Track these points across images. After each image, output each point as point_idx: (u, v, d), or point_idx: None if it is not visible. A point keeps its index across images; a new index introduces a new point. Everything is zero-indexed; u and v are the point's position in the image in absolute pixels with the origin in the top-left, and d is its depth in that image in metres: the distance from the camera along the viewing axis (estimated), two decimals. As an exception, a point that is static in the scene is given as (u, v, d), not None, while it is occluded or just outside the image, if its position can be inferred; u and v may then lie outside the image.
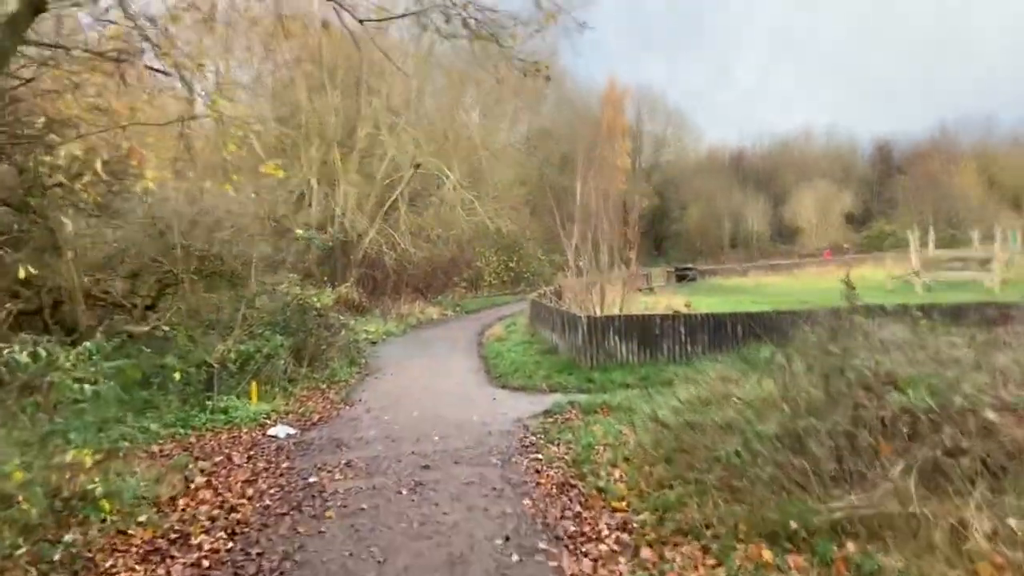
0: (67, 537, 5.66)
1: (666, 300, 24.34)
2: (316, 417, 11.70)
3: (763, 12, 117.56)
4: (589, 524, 6.30)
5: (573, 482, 7.54)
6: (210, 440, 10.01)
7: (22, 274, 6.61)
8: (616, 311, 18.30)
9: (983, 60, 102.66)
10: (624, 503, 6.63)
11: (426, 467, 8.39)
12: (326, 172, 32.17)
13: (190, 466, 8.37)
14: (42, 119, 9.31)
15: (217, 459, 8.90)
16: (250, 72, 32.11)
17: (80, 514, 5.97)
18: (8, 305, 11.82)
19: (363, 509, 6.87)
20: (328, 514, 6.76)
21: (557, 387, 14.17)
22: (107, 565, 5.58)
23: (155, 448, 9.42)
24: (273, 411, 11.82)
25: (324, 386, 14.43)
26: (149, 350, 11.77)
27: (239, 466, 8.65)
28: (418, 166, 32.42)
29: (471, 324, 28.13)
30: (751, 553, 5.16)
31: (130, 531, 6.16)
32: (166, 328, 12.33)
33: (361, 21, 6.04)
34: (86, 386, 6.64)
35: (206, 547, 5.97)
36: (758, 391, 7.35)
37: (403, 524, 6.43)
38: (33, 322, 12.05)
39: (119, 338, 9.96)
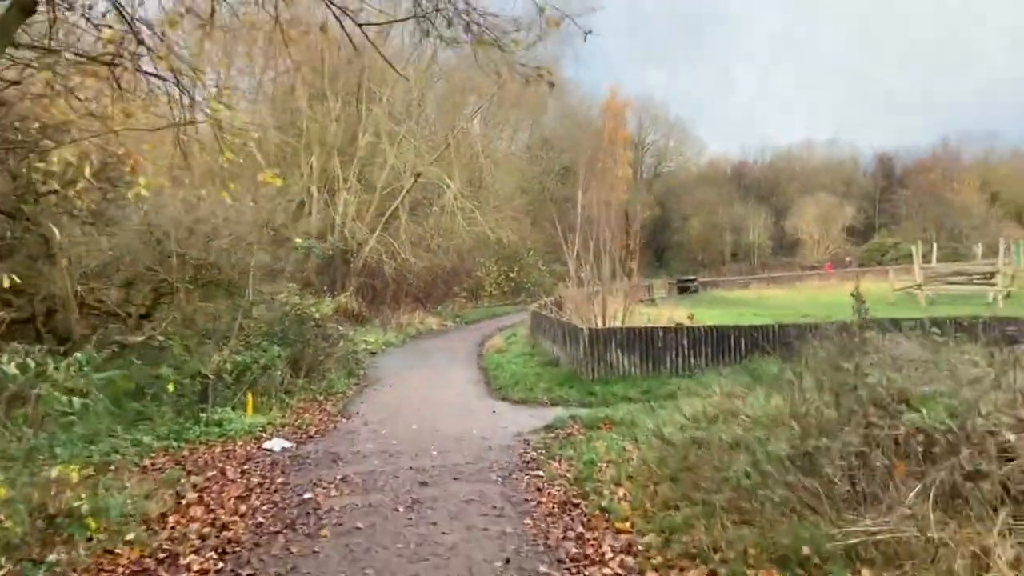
0: (51, 557, 5.45)
1: (668, 312, 24.14)
2: (313, 430, 11.48)
3: (764, 23, 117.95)
4: (592, 546, 6.08)
5: (575, 501, 7.33)
6: (204, 453, 9.79)
7: (6, 283, 6.40)
8: (618, 323, 18.10)
9: (985, 74, 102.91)
10: (628, 524, 6.41)
11: (424, 483, 8.18)
12: (326, 180, 32.06)
13: (182, 481, 8.14)
14: (36, 124, 9.16)
15: (210, 473, 8.69)
16: (251, 79, 32.04)
17: (65, 532, 5.75)
18: (0, 314, 11.65)
19: (359, 528, 6.66)
20: (323, 533, 6.54)
21: (558, 400, 13.98)
22: (92, 586, 5.38)
23: (147, 462, 9.18)
24: (269, 424, 11.60)
25: (321, 398, 14.22)
26: (143, 360, 11.57)
27: (232, 481, 8.43)
28: (419, 175, 32.29)
29: (471, 335, 27.95)
30: (762, 579, 4.96)
31: (117, 550, 5.94)
32: (161, 338, 12.14)
33: (360, 25, 5.88)
34: (75, 398, 6.44)
35: (195, 567, 5.76)
36: (766, 408, 7.15)
37: (399, 544, 6.22)
38: (26, 331, 11.88)
39: (111, 348, 9.75)
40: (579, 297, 19.83)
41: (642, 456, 8.09)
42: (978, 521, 4.65)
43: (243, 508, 7.35)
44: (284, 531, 6.63)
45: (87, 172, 7.33)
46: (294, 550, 6.14)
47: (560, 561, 5.80)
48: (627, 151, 66.37)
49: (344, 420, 12.36)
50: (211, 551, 6.09)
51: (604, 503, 6.95)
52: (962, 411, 5.24)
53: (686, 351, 15.67)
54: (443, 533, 6.49)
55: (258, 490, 8.07)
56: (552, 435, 10.60)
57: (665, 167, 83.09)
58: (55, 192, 10.44)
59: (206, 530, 6.59)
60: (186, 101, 7.48)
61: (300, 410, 13.02)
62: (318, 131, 31.34)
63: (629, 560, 5.71)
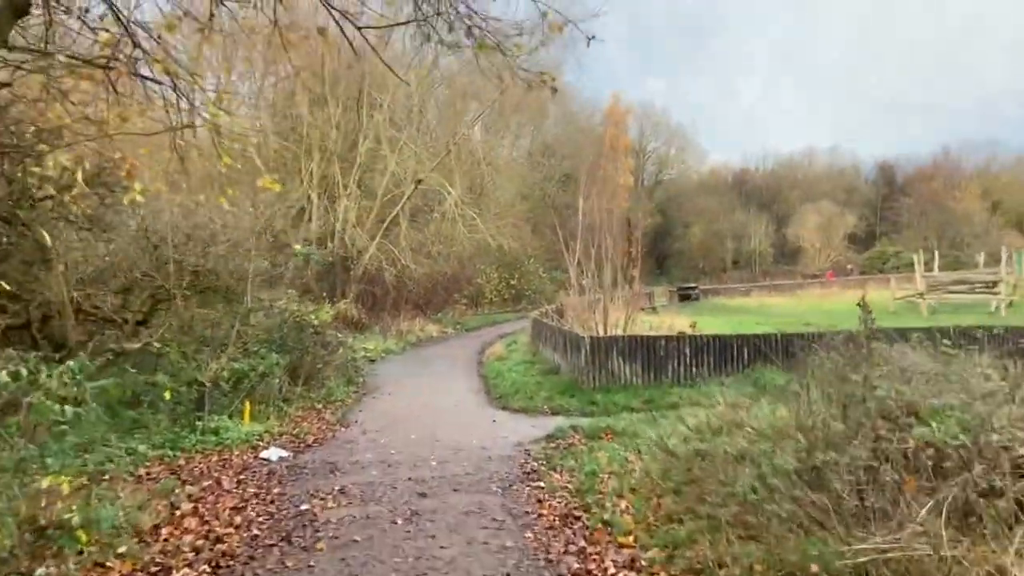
0: (40, 571, 5.31)
1: (669, 320, 24.00)
2: (310, 439, 11.35)
3: (765, 31, 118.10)
4: (594, 561, 5.95)
5: (577, 513, 7.19)
6: (199, 463, 9.64)
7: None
8: (619, 331, 17.96)
9: (987, 82, 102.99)
10: (631, 538, 6.27)
11: (423, 495, 8.04)
12: (326, 187, 31.98)
13: (176, 491, 8.01)
14: (32, 129, 9.06)
15: (205, 483, 8.55)
16: (251, 85, 32.01)
17: (55, 545, 5.61)
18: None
19: (356, 541, 6.51)
20: (319, 546, 6.40)
21: (559, 409, 13.83)
22: (81, 601, 5.24)
23: (142, 471, 9.05)
24: (266, 432, 11.46)
25: (320, 406, 14.08)
26: (140, 367, 11.45)
27: (228, 491, 8.29)
28: (419, 181, 32.21)
29: (471, 342, 27.81)
30: (769, 597, 4.82)
31: (108, 563, 5.80)
32: (158, 345, 12.00)
33: (360, 29, 5.78)
34: (67, 407, 6.31)
35: (188, 582, 5.63)
36: (771, 419, 7.02)
37: (397, 559, 6.07)
38: (22, 337, 11.74)
39: (105, 356, 9.62)
40: (580, 305, 19.70)
41: (645, 467, 7.96)
42: (993, 539, 4.52)
43: (238, 519, 7.21)
44: (280, 544, 6.49)
45: (79, 176, 7.20)
46: (289, 564, 6.00)
47: (562, 576, 5.67)
48: (628, 158, 66.53)
49: (343, 429, 12.22)
50: (204, 564, 5.96)
51: (606, 516, 6.81)
52: (975, 425, 5.11)
53: (688, 360, 15.53)
54: (442, 547, 6.35)
55: (254, 501, 7.93)
56: (553, 445, 10.46)
57: (666, 175, 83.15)
58: (51, 197, 10.34)
59: (200, 542, 6.45)
60: (183, 105, 7.39)
61: (298, 418, 12.87)
62: (318, 137, 31.28)
63: (632, 576, 5.58)
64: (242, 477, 8.97)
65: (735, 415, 7.49)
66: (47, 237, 8.30)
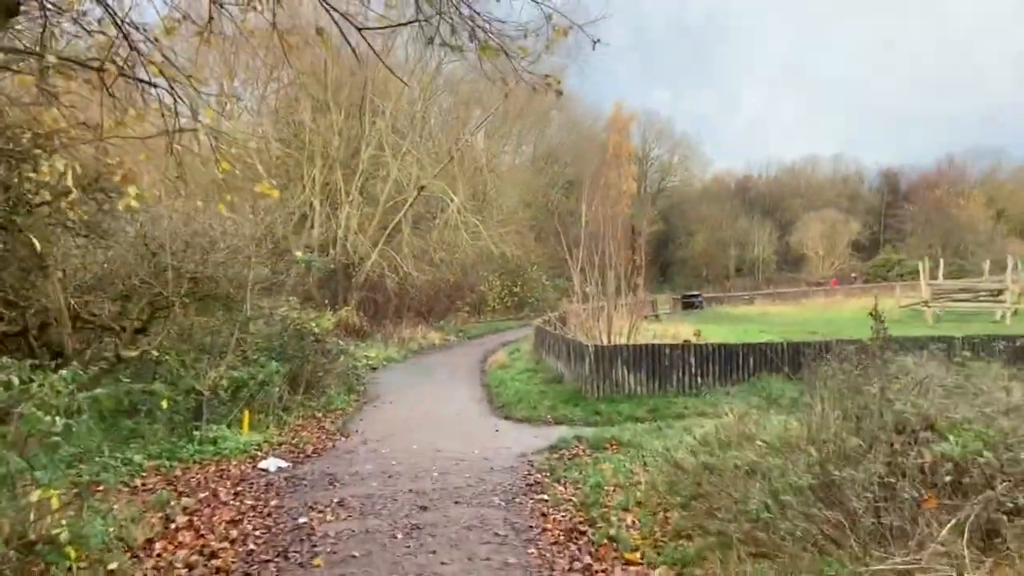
0: (26, 589, 5.14)
1: (674, 328, 23.85)
2: (310, 449, 11.16)
3: (769, 41, 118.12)
4: (600, 578, 5.76)
5: (582, 528, 6.99)
6: (196, 473, 9.46)
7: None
8: (623, 339, 17.78)
9: (991, 93, 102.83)
10: (638, 554, 6.08)
11: (424, 508, 7.84)
12: (328, 193, 31.87)
13: (172, 503, 7.82)
14: (28, 134, 8.92)
15: (202, 495, 8.36)
16: (253, 91, 31.95)
17: (44, 561, 5.43)
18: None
19: (354, 556, 6.32)
20: (316, 562, 6.20)
21: (562, 419, 13.63)
22: (68, 621, 5.05)
23: (138, 482, 8.88)
24: (265, 442, 11.28)
25: (320, 415, 13.91)
26: (137, 376, 11.28)
27: (225, 504, 8.10)
28: (422, 188, 32.08)
29: (473, 350, 27.62)
30: (783, 620, 4.63)
31: (98, 580, 5.63)
32: (156, 353, 11.84)
33: (360, 30, 5.63)
34: (58, 418, 6.13)
35: (180, 600, 5.44)
36: (781, 432, 6.83)
37: (396, 576, 5.89)
38: (19, 344, 11.59)
39: (99, 364, 9.45)
40: (584, 313, 19.53)
41: (651, 480, 7.77)
42: (1020, 559, 4.33)
43: (234, 533, 7.02)
44: (276, 559, 6.30)
45: (69, 180, 7.05)
46: (285, 581, 5.82)
47: (566, 596, 5.47)
48: (632, 165, 66.46)
49: (343, 438, 12.04)
50: (197, 581, 5.78)
51: (612, 531, 6.61)
52: (996, 441, 4.92)
53: (693, 369, 15.34)
54: (442, 563, 6.16)
55: (251, 514, 7.74)
56: (557, 456, 10.27)
57: (669, 182, 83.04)
58: (48, 203, 10.20)
59: (194, 558, 6.27)
60: (181, 109, 7.24)
61: (298, 427, 12.70)
62: (321, 144, 31.19)
63: (640, 595, 5.39)
64: (239, 488, 8.79)
65: (744, 427, 7.29)
66: (38, 244, 8.13)
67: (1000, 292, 34.21)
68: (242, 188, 14.20)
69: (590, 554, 6.31)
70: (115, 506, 7.22)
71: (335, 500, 8.17)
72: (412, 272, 31.49)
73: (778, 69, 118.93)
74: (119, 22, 6.40)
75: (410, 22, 5.71)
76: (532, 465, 9.85)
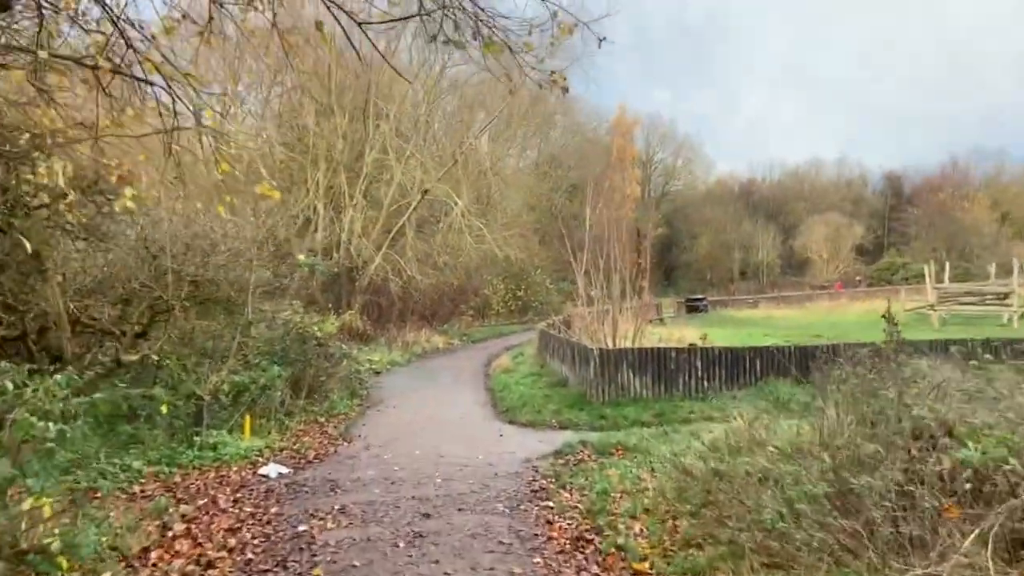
0: (16, 600, 4.99)
1: (679, 332, 23.65)
2: (312, 454, 11.00)
3: (769, 41, 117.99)
4: (608, 589, 5.59)
5: (589, 536, 6.82)
6: (196, 479, 9.31)
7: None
8: (628, 343, 17.61)
9: (993, 94, 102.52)
10: (647, 564, 5.91)
11: (427, 515, 7.68)
12: (332, 197, 31.76)
13: (170, 510, 7.66)
14: (26, 135, 8.80)
15: (201, 502, 8.20)
16: (257, 94, 31.89)
17: (35, 572, 5.28)
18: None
19: (355, 566, 6.16)
20: (315, 572, 6.04)
21: (567, 423, 13.45)
22: (60, 633, 4.90)
23: (136, 488, 8.72)
24: (266, 447, 11.13)
25: (322, 419, 13.75)
26: (138, 380, 11.15)
27: (224, 511, 7.95)
28: (426, 192, 31.95)
29: (478, 354, 27.45)
30: (799, 634, 4.45)
31: (91, 591, 5.47)
32: (156, 357, 11.70)
33: (360, 24, 5.49)
34: (51, 423, 5.98)
35: (175, 611, 5.28)
36: (793, 438, 6.65)
37: (398, 586, 5.73)
38: (18, 349, 11.47)
39: (95, 369, 9.30)
40: (588, 316, 19.36)
41: (659, 487, 7.60)
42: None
43: (232, 542, 6.86)
44: (274, 569, 6.15)
45: (61, 180, 6.91)
46: (284, 591, 5.66)
47: (574, 607, 5.31)
48: (635, 169, 66.33)
49: (345, 444, 11.88)
50: (194, 592, 5.62)
51: (620, 540, 6.44)
52: (1021, 447, 4.75)
53: (699, 373, 15.15)
54: (446, 573, 5.99)
55: (250, 521, 7.58)
56: (562, 461, 10.10)
57: (673, 186, 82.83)
58: (46, 206, 10.09)
59: (190, 568, 6.11)
60: (180, 109, 7.11)
61: (300, 432, 12.54)
62: (324, 147, 31.09)
63: (649, 607, 5.22)
64: (239, 495, 8.64)
65: (755, 432, 7.11)
66: (28, 245, 7.99)
67: (1006, 295, 33.98)
68: (244, 191, 14.09)
69: (597, 564, 6.14)
70: (111, 514, 7.07)
71: (336, 507, 8.01)
72: (416, 276, 31.35)
73: (778, 69, 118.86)
74: (115, 19, 6.28)
75: (413, 16, 5.56)
76: (537, 471, 9.68)
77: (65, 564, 5.22)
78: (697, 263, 74.73)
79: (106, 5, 6.33)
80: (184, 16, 7.44)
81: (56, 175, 8.03)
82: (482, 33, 5.99)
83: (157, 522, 7.23)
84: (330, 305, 25.73)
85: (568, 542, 6.75)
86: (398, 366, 23.85)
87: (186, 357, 12.31)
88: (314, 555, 6.47)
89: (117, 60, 6.77)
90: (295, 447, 11.39)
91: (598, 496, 7.90)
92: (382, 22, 5.86)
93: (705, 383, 15.13)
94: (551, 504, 8.03)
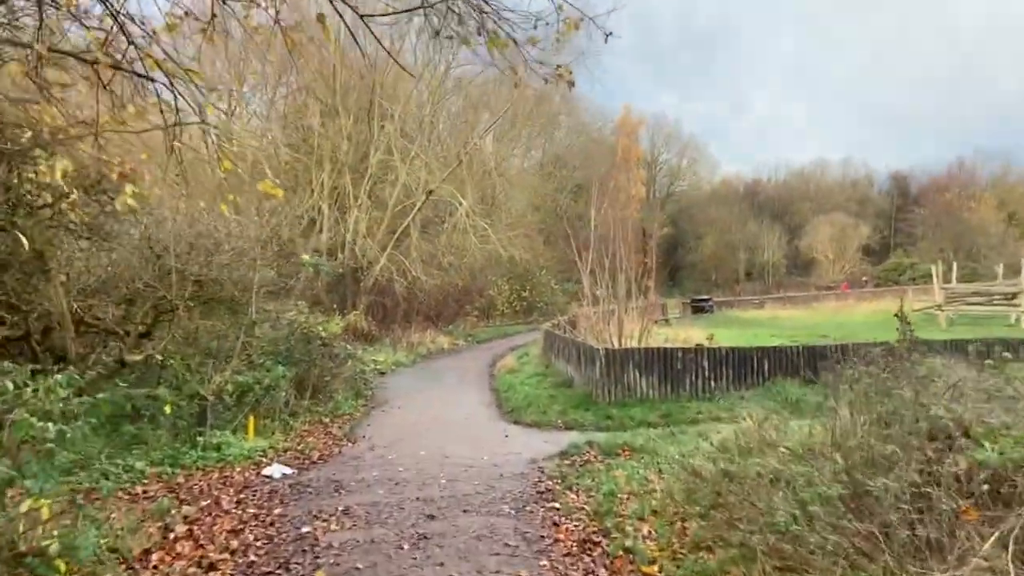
0: (14, 604, 4.90)
1: (684, 332, 23.52)
2: (316, 455, 10.91)
3: (777, 45, 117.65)
4: (616, 593, 5.48)
5: (596, 539, 6.71)
6: (199, 480, 9.22)
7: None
8: (634, 343, 17.48)
9: (998, 94, 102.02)
10: (656, 567, 5.80)
11: (431, 516, 7.58)
12: (337, 198, 31.70)
13: (172, 512, 7.58)
14: (28, 133, 8.74)
15: (203, 503, 8.12)
16: (262, 96, 31.86)
17: (34, 574, 5.19)
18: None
19: (358, 569, 6.06)
20: (318, 574, 5.95)
21: (573, 424, 13.34)
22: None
23: (139, 489, 8.65)
24: (270, 447, 11.05)
25: (327, 420, 13.66)
26: (142, 380, 11.09)
27: (227, 512, 7.86)
28: (430, 192, 31.86)
29: (482, 354, 27.35)
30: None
31: (90, 594, 5.39)
32: (160, 357, 11.63)
33: (362, 16, 5.40)
34: (50, 424, 5.90)
35: (176, 615, 5.19)
36: (804, 438, 6.53)
37: (402, 589, 5.63)
38: (22, 349, 11.41)
39: (97, 368, 9.23)
40: (594, 316, 19.24)
41: (667, 488, 7.48)
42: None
43: (235, 543, 6.77)
44: (276, 571, 6.06)
45: (59, 176, 6.84)
46: (286, 594, 5.56)
47: (581, 611, 5.20)
48: (640, 169, 66.19)
49: (349, 444, 11.79)
50: (195, 595, 5.53)
51: (628, 542, 6.32)
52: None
53: (706, 373, 15.02)
54: (451, 576, 5.90)
55: (253, 523, 7.50)
56: (568, 462, 9.99)
57: (678, 186, 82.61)
58: (49, 205, 10.03)
59: (192, 570, 6.03)
60: (182, 106, 7.03)
61: (304, 433, 12.46)
62: (329, 148, 31.03)
63: (659, 611, 5.11)
64: (242, 496, 8.55)
65: (765, 433, 6.99)
66: (25, 241, 7.91)
67: (1014, 295, 33.73)
68: (248, 191, 14.02)
69: (605, 567, 6.03)
70: (113, 515, 7.00)
71: (340, 508, 7.92)
72: (421, 276, 31.27)
73: (785, 70, 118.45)
74: (115, 13, 6.20)
75: (416, 9, 5.47)
76: (543, 471, 9.57)
77: (63, 567, 5.14)
78: (702, 264, 74.49)
79: (107, 1, 6.25)
80: (187, 13, 7.36)
81: (55, 172, 7.97)
82: (487, 27, 5.89)
83: (159, 523, 7.15)
84: (335, 306, 25.66)
85: (575, 544, 6.64)
86: (403, 366, 23.77)
87: (190, 357, 12.24)
88: (317, 557, 6.38)
89: (118, 56, 6.70)
90: (299, 447, 11.31)
91: (605, 497, 7.79)
92: (385, 15, 5.77)
93: (712, 383, 14.99)
94: (557, 505, 7.92)
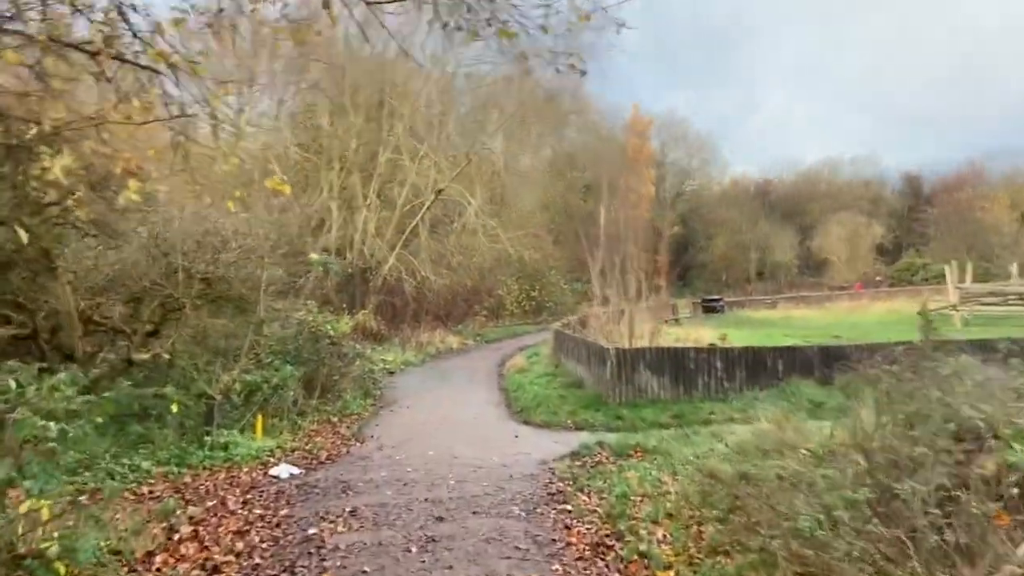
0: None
1: (695, 332, 23.27)
2: (324, 455, 10.79)
3: (790, 44, 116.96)
4: (631, 599, 5.31)
5: (609, 542, 6.54)
6: (205, 480, 9.11)
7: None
8: (645, 343, 17.28)
9: (1011, 94, 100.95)
10: (672, 573, 5.62)
11: (440, 518, 7.43)
12: (346, 197, 31.60)
13: (177, 512, 7.46)
14: (34, 128, 8.63)
15: (209, 504, 8.00)
16: (271, 96, 31.76)
17: (34, 576, 5.07)
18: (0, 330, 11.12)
19: (365, 572, 5.92)
20: (324, 578, 5.81)
21: (584, 424, 13.17)
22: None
23: (145, 489, 8.55)
24: (278, 447, 10.94)
25: (335, 419, 13.55)
26: (148, 380, 10.98)
27: (232, 513, 7.74)
28: (440, 192, 31.73)
29: (492, 354, 27.20)
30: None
31: (91, 598, 5.26)
32: (168, 355, 11.53)
33: (369, 3, 5.25)
34: (51, 423, 5.77)
35: (178, 619, 5.06)
36: (825, 440, 6.33)
37: (410, 594, 5.47)
38: (29, 348, 11.33)
39: (101, 367, 9.15)
40: (604, 316, 19.05)
41: (682, 491, 7.30)
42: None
43: (240, 545, 6.64)
44: (282, 574, 5.92)
45: (58, 171, 6.71)
46: (291, 599, 5.42)
47: (595, 618, 5.03)
48: (650, 169, 65.82)
49: (358, 444, 11.67)
50: (198, 599, 5.39)
51: (643, 546, 6.15)
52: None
53: (719, 373, 14.79)
54: (460, 580, 5.74)
55: (259, 524, 7.37)
56: (579, 463, 9.82)
57: (688, 185, 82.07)
58: (56, 203, 9.92)
59: (195, 572, 5.90)
60: (187, 100, 6.90)
61: (312, 432, 12.34)
62: (339, 148, 30.94)
63: (676, 618, 4.93)
64: (249, 497, 8.43)
65: (784, 434, 6.80)
66: (24, 237, 7.79)
67: (1031, 296, 33.35)
68: (257, 190, 13.91)
69: (619, 572, 5.87)
70: (117, 516, 6.88)
71: (347, 510, 7.78)
72: (430, 276, 31.15)
73: (797, 70, 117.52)
74: (119, 4, 6.07)
75: (425, -3, 5.31)
76: (553, 473, 9.41)
77: (63, 570, 5.01)
78: (713, 263, 73.96)
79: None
80: (192, 7, 7.23)
81: (65, 170, 7.85)
82: (498, 17, 5.74)
83: (164, 524, 7.03)
84: (344, 305, 25.57)
85: (587, 548, 6.47)
86: (412, 366, 23.65)
87: (198, 356, 12.14)
88: (323, 560, 6.23)
89: (122, 49, 6.58)
90: (307, 447, 11.19)
91: (618, 500, 7.62)
92: (392, 0, 5.61)
93: (725, 384, 14.77)
94: (569, 507, 7.76)
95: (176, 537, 6.77)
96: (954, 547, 4.51)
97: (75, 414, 6.44)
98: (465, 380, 20.15)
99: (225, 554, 6.36)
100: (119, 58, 5.85)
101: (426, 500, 8.13)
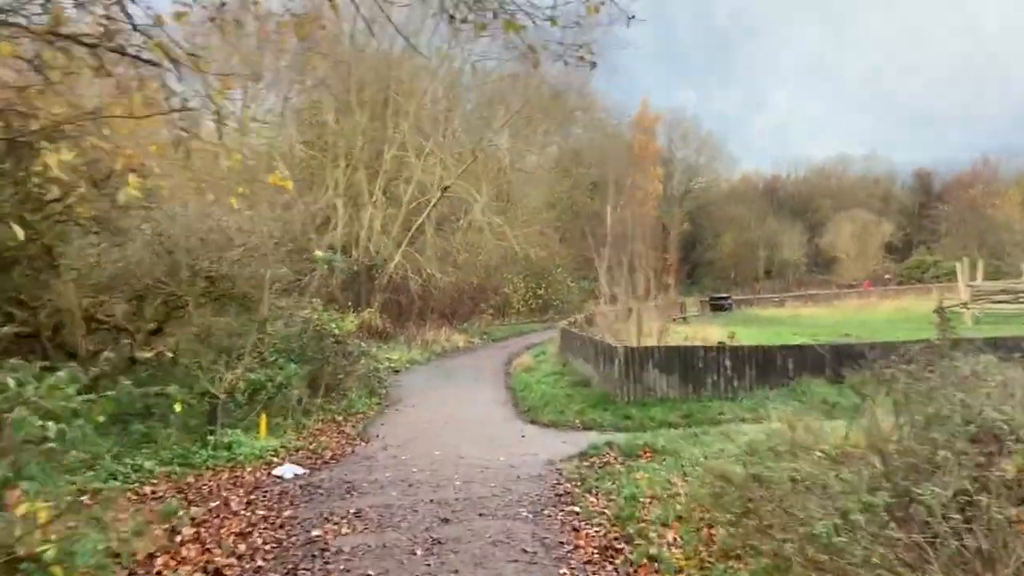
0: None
1: (704, 331, 23.09)
2: (328, 454, 10.69)
3: (796, 42, 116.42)
4: (641, 604, 5.17)
5: (618, 545, 6.40)
6: (208, 480, 9.01)
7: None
8: (653, 341, 17.12)
9: (1013, 94, 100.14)
10: (683, 577, 5.48)
11: (446, 520, 7.30)
12: (352, 195, 31.52)
13: (180, 513, 7.35)
14: (36, 124, 8.54)
15: (212, 504, 7.90)
16: (278, 94, 31.68)
17: (30, 580, 4.96)
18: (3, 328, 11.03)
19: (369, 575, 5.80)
20: (327, 582, 5.69)
21: (591, 424, 13.02)
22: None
23: (147, 489, 8.45)
24: (282, 447, 10.83)
25: (340, 418, 13.45)
26: (152, 378, 10.89)
27: (235, 513, 7.63)
28: (445, 189, 31.62)
29: (498, 353, 27.09)
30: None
31: (89, 602, 5.15)
32: (171, 354, 11.45)
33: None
34: (50, 423, 5.67)
35: (177, 624, 4.95)
36: (840, 441, 6.17)
37: (415, 598, 5.35)
38: (32, 346, 11.25)
39: (102, 366, 9.04)
40: (612, 314, 18.91)
41: (692, 493, 7.16)
42: None
43: (242, 547, 6.53)
44: (284, 578, 5.80)
45: (57, 168, 6.61)
46: (294, 603, 5.30)
47: (604, 624, 4.90)
48: (657, 166, 65.56)
49: (363, 444, 11.56)
50: (198, 603, 5.28)
51: (652, 550, 6.01)
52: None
53: (729, 372, 14.62)
54: (466, 584, 5.61)
55: (262, 525, 7.26)
56: (587, 464, 9.67)
57: (696, 183, 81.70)
58: (58, 200, 9.84)
59: (196, 575, 5.78)
60: (189, 94, 6.79)
61: (317, 432, 12.24)
62: (344, 145, 30.86)
63: (687, 625, 4.79)
64: (252, 497, 8.32)
65: (797, 435, 6.64)
66: (19, 232, 7.70)
67: (1042, 294, 33.05)
68: (261, 188, 13.79)
69: None
70: (119, 516, 6.77)
71: (352, 511, 7.67)
72: (435, 274, 31.06)
73: (805, 67, 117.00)
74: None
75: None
76: (561, 473, 9.27)
77: (61, 573, 4.90)
78: (721, 261, 73.70)
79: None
80: (195, 0, 7.11)
81: (68, 167, 7.76)
82: (505, 8, 5.60)
83: (166, 526, 6.92)
84: (349, 303, 25.51)
85: (596, 551, 6.33)
86: (418, 364, 23.55)
87: (201, 354, 12.04)
88: (327, 563, 6.12)
89: (123, 42, 6.47)
90: (312, 447, 11.09)
91: (627, 501, 7.49)
92: (397, -9, 5.49)
93: (735, 383, 14.60)
94: (577, 509, 7.63)
95: (178, 539, 6.67)
96: (974, 552, 4.36)
97: (75, 413, 6.35)
98: (471, 379, 20.04)
99: (227, 556, 6.25)
100: (120, 51, 5.74)
101: (432, 501, 8.01)
